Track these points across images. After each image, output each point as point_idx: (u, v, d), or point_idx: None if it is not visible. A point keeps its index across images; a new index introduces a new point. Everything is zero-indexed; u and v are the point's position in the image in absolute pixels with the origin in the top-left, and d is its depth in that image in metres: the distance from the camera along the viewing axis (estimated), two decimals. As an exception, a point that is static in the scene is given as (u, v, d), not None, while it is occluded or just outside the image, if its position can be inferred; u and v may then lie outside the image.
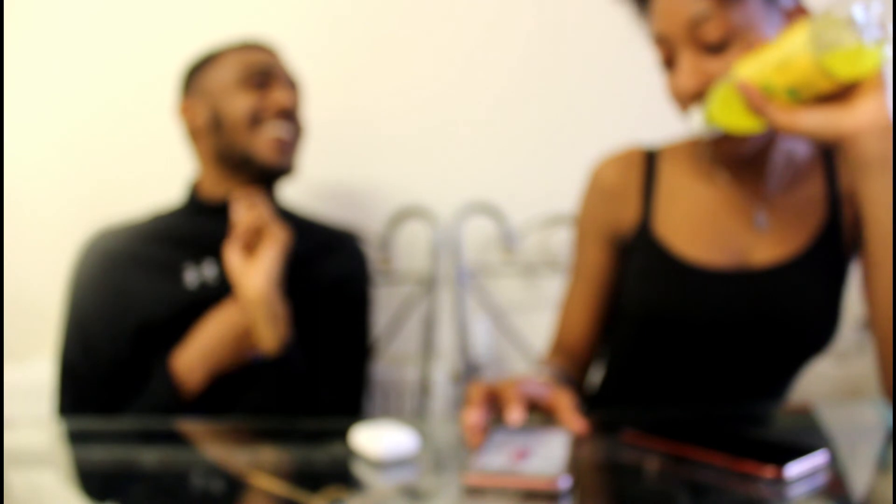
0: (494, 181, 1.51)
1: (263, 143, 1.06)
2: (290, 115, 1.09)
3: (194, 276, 1.04)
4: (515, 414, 0.64)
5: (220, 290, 1.03)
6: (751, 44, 0.76)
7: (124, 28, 1.52)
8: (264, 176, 1.08)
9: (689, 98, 0.80)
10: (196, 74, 1.10)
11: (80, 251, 1.07)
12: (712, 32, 0.76)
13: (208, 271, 1.04)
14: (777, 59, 0.71)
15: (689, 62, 0.79)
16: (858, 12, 0.66)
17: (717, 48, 0.77)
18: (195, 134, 1.10)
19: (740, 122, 0.77)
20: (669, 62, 0.82)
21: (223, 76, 1.07)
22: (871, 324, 0.76)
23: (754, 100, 0.72)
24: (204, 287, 1.04)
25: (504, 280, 1.52)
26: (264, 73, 1.07)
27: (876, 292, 0.74)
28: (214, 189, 1.10)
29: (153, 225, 1.09)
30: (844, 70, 0.68)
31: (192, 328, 1.01)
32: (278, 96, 1.07)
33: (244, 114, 1.05)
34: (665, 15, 0.80)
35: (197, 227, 1.08)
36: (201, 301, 1.02)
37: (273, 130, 1.06)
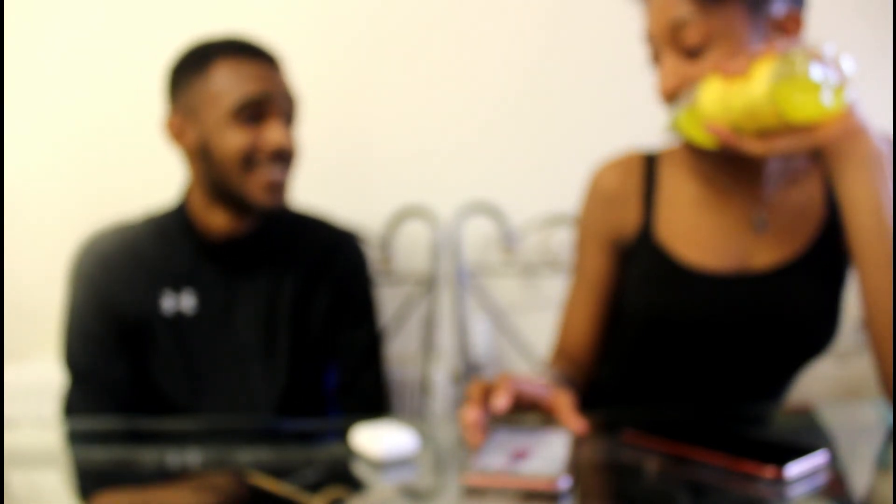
0: (494, 181, 1.51)
1: (256, 187, 1.00)
2: (284, 155, 1.02)
3: (172, 303, 1.03)
4: (500, 400, 0.65)
5: (195, 322, 1.03)
6: (731, 51, 0.78)
7: (123, 34, 1.52)
8: (254, 212, 1.04)
9: (668, 98, 0.83)
10: (184, 81, 1.02)
11: (75, 252, 1.07)
12: (691, 37, 0.78)
13: (186, 301, 1.03)
14: (742, 104, 0.73)
15: (669, 64, 0.82)
16: (816, 72, 0.69)
17: (695, 52, 0.79)
18: (183, 150, 1.05)
19: (702, 138, 0.80)
20: (656, 60, 0.84)
21: (214, 100, 0.99)
22: (867, 323, 0.76)
23: (727, 140, 0.75)
24: (179, 316, 1.03)
25: (504, 280, 1.52)
26: (260, 102, 0.99)
27: (867, 290, 0.74)
28: (205, 213, 1.05)
29: (142, 237, 1.07)
30: (807, 121, 0.71)
31: (164, 354, 1.02)
32: (273, 136, 1.00)
33: (236, 155, 0.99)
34: (652, 16, 0.83)
35: (182, 256, 1.05)
36: (174, 330, 1.02)
37: (266, 174, 1.00)
